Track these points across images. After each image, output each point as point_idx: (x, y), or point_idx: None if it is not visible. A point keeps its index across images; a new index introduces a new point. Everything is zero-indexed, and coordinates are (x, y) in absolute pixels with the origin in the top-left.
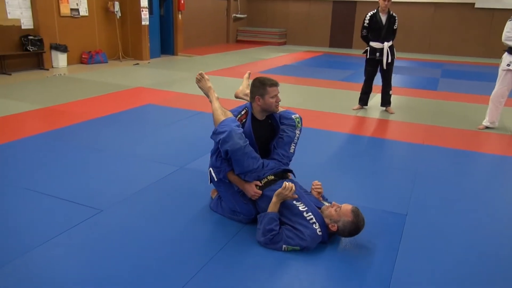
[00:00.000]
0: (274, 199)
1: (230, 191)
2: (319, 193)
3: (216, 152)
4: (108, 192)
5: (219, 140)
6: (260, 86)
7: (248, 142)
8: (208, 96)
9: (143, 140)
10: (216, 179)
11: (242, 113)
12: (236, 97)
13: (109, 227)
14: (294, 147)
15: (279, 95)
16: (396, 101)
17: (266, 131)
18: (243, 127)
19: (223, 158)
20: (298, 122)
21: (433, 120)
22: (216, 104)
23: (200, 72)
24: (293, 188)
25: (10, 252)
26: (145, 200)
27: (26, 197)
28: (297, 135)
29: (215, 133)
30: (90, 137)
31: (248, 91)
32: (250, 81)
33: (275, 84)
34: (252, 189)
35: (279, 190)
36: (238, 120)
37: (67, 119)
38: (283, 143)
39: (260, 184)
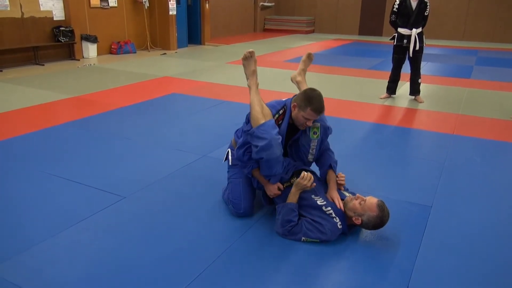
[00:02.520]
0: (293, 189)
1: (237, 180)
2: (341, 185)
3: (244, 145)
4: (132, 179)
5: (257, 146)
6: (305, 101)
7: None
8: (248, 79)
9: (167, 129)
10: (231, 164)
11: (280, 112)
12: (292, 80)
13: (131, 213)
14: (313, 155)
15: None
16: (425, 89)
17: (296, 133)
18: (279, 128)
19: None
20: (314, 132)
21: (464, 109)
22: (255, 97)
23: (251, 50)
24: (312, 178)
25: (38, 235)
26: (167, 187)
27: (53, 183)
28: (313, 146)
29: (252, 136)
30: (116, 125)
31: (299, 78)
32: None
33: (318, 111)
34: (274, 189)
35: (298, 180)
36: (276, 121)
37: (95, 108)
38: (300, 154)
39: (282, 189)
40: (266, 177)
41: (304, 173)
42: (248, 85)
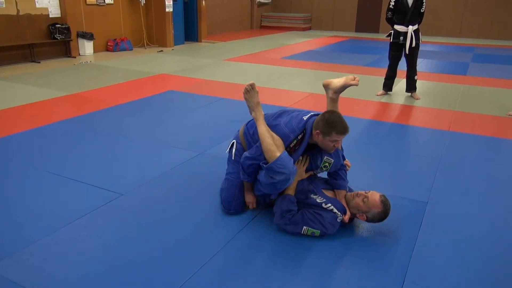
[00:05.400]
0: None
1: (235, 181)
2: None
3: (252, 159)
4: (129, 176)
5: (273, 178)
6: (327, 126)
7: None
8: (253, 111)
9: (164, 126)
10: (233, 159)
11: (299, 137)
12: (324, 86)
13: (129, 210)
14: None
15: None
16: (422, 86)
17: (309, 151)
18: (291, 152)
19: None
20: (325, 166)
21: (461, 106)
22: (264, 128)
23: (251, 82)
24: (307, 161)
25: (36, 233)
26: (165, 185)
27: (51, 181)
28: (321, 171)
29: (269, 170)
30: (113, 123)
31: (335, 96)
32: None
33: (343, 132)
34: (252, 199)
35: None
36: (291, 149)
37: (92, 105)
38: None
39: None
40: (262, 193)
41: (298, 160)
42: (254, 117)
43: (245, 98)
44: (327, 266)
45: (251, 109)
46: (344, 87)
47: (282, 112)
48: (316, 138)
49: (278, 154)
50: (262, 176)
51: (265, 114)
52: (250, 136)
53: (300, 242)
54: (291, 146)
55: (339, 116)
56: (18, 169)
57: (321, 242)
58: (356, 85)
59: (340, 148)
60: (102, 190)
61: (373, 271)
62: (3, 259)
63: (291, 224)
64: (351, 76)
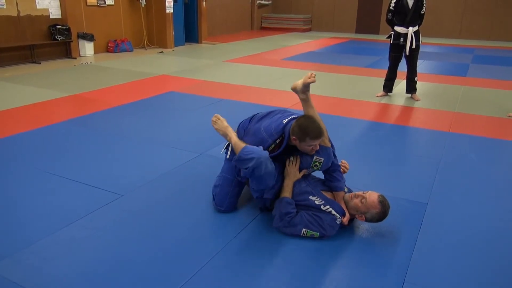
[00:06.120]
0: (285, 181)
1: (230, 178)
2: (343, 171)
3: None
4: (129, 177)
5: (247, 168)
6: (302, 132)
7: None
8: (226, 135)
9: (165, 127)
10: (228, 158)
11: (277, 141)
12: (293, 89)
13: (129, 211)
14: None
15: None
16: (422, 87)
17: (295, 151)
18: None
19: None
20: (316, 165)
21: (461, 107)
22: (236, 139)
23: (215, 114)
24: (298, 160)
25: (36, 233)
26: (165, 185)
27: (51, 181)
28: (313, 171)
29: (239, 161)
30: (114, 123)
31: (304, 96)
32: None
33: (317, 137)
34: None
35: (287, 169)
36: (269, 153)
37: (92, 106)
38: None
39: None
40: (259, 193)
41: (288, 160)
42: (229, 140)
43: (215, 128)
44: (326, 267)
45: (224, 136)
46: (305, 86)
47: (268, 113)
48: (294, 143)
49: (244, 145)
50: (242, 172)
51: (254, 115)
52: (240, 136)
53: (299, 243)
54: (269, 150)
55: (312, 122)
56: (19, 169)
57: (321, 243)
58: (313, 81)
59: (329, 146)
60: (102, 190)
61: (373, 272)
62: (3, 259)
63: (290, 226)
64: (308, 74)
